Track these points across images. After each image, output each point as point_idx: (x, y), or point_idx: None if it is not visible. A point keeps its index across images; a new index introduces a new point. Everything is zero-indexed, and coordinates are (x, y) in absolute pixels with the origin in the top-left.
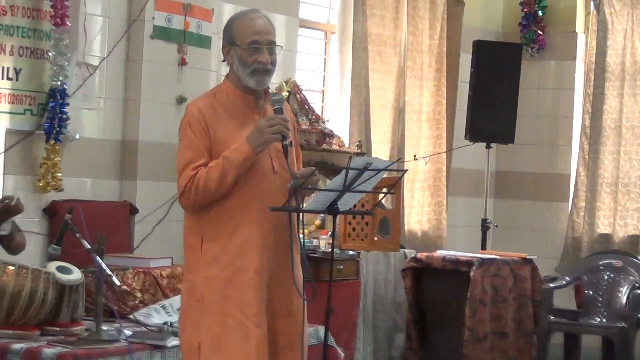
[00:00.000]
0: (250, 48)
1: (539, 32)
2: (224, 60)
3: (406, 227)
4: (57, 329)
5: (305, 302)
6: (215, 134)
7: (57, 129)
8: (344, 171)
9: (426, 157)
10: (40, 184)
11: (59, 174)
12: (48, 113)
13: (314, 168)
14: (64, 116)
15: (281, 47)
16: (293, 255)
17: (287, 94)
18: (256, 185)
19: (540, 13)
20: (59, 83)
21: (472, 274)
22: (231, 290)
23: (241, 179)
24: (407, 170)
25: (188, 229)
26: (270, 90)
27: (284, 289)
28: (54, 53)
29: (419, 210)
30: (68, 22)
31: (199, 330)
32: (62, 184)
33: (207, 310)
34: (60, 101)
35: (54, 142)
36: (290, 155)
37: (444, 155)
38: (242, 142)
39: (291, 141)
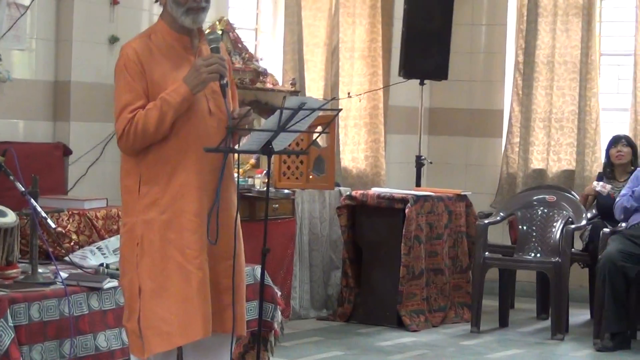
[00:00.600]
0: None
1: None
2: (156, 1)
3: (341, 165)
4: None
5: (241, 244)
6: (152, 75)
7: None
8: (278, 111)
9: (360, 94)
10: None
11: None
12: None
13: (249, 108)
14: None
15: None
16: (231, 197)
17: (220, 32)
18: (193, 128)
19: None
20: None
21: (407, 211)
22: (171, 233)
23: (178, 121)
24: (341, 109)
25: (125, 171)
26: (204, 30)
27: (224, 231)
28: None
29: (353, 148)
30: None
31: (140, 274)
32: None
33: (147, 254)
34: None
35: None
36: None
37: (381, 92)
38: (180, 83)
39: (227, 81)
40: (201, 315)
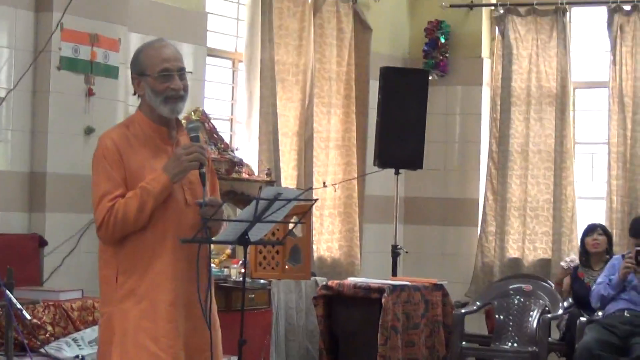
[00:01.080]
0: (161, 76)
1: (441, 57)
2: (135, 93)
3: (316, 255)
4: None
5: (219, 335)
6: (130, 165)
7: None
8: (254, 201)
9: (335, 184)
10: None
11: None
12: None
13: (221, 202)
14: None
15: (191, 72)
16: (207, 288)
17: (194, 120)
18: (170, 218)
19: (442, 39)
20: None
21: (383, 300)
22: (146, 322)
23: (155, 212)
24: (317, 199)
25: (103, 261)
26: (181, 120)
27: (200, 322)
28: None
29: (328, 238)
30: None
31: None
32: None
33: (122, 343)
34: None
35: None
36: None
37: (355, 181)
38: (160, 172)
39: (205, 170)
40: None
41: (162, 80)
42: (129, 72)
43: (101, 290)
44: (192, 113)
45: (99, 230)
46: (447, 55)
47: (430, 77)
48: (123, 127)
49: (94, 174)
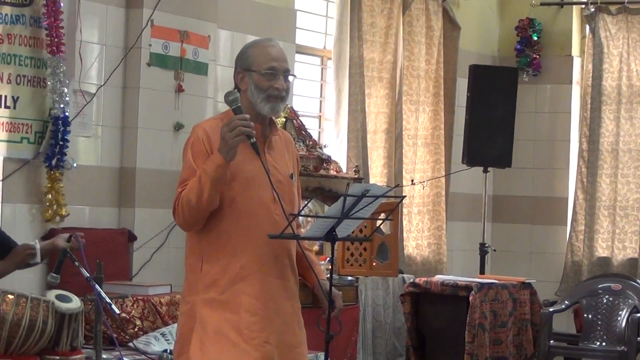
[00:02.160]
0: (267, 74)
1: (534, 55)
2: (236, 88)
3: (405, 252)
4: (57, 357)
5: (304, 333)
6: None
7: (58, 156)
8: (342, 198)
9: (423, 181)
10: (48, 214)
11: (64, 202)
12: (50, 140)
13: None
14: (66, 144)
15: (295, 76)
16: (292, 285)
17: (284, 120)
18: (256, 213)
19: (535, 37)
20: (60, 111)
21: (471, 298)
22: (228, 314)
23: (240, 205)
24: (404, 196)
25: (190, 249)
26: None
27: (288, 318)
28: (52, 81)
29: (417, 235)
30: (64, 50)
31: (197, 353)
32: (68, 212)
33: (205, 333)
34: (62, 129)
35: (55, 170)
36: (290, 189)
37: (443, 179)
38: (215, 153)
39: (292, 173)
40: None
41: (267, 78)
42: (218, 69)
43: (186, 278)
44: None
45: (175, 218)
46: (539, 53)
47: (524, 76)
48: (218, 119)
49: (182, 162)
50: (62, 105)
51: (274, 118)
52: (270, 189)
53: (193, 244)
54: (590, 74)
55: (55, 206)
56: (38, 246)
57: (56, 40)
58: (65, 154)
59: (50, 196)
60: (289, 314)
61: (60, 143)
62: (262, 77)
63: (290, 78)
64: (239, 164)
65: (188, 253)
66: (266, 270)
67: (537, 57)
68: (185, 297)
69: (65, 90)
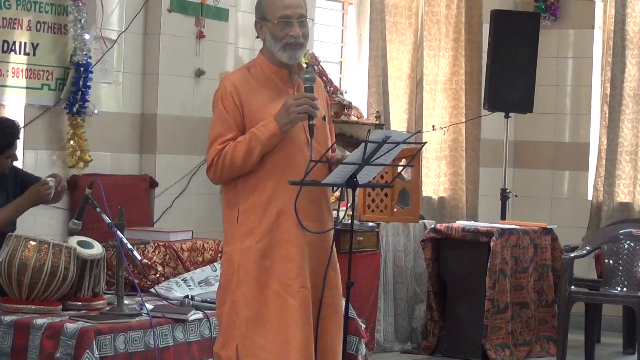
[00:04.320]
0: (281, 22)
1: (553, 0)
2: (257, 37)
3: (422, 196)
4: (79, 303)
5: (338, 276)
6: (250, 106)
7: (80, 103)
8: (362, 144)
9: (444, 127)
10: (72, 159)
11: (87, 148)
12: (72, 87)
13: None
14: (87, 90)
15: (312, 20)
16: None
17: (305, 66)
18: (291, 158)
19: None
20: (82, 57)
21: (492, 244)
22: (266, 261)
23: (275, 152)
24: (426, 142)
25: (226, 200)
26: (303, 65)
27: (322, 262)
28: (75, 27)
29: (434, 181)
30: None
31: (237, 301)
32: (91, 157)
33: (244, 282)
34: (84, 75)
35: (77, 116)
36: (324, 131)
37: (462, 125)
38: (270, 119)
39: (324, 115)
40: (299, 343)
41: (282, 27)
42: (239, 14)
43: (224, 229)
44: (302, 55)
45: (208, 172)
46: None
47: (543, 21)
48: (245, 69)
49: (213, 115)
50: (84, 52)
51: (301, 64)
52: (305, 133)
53: (230, 195)
54: (613, 19)
55: (78, 152)
56: (53, 183)
57: None
58: (88, 101)
59: (73, 142)
60: (321, 256)
61: (82, 90)
62: (277, 27)
63: (308, 23)
64: (268, 111)
65: (225, 205)
66: (302, 215)
67: (556, 2)
68: (224, 248)
69: (87, 36)
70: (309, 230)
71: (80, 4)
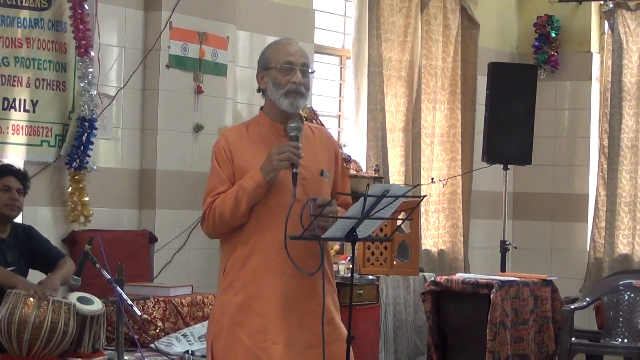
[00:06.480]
0: (284, 68)
1: (552, 52)
2: (258, 90)
3: (421, 249)
4: (79, 359)
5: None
6: (239, 161)
7: (82, 157)
8: (362, 198)
9: (443, 179)
10: (73, 214)
11: (88, 203)
12: (74, 142)
13: (332, 199)
14: (90, 145)
15: (314, 71)
16: (324, 284)
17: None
18: (273, 213)
19: (553, 34)
20: (88, 112)
21: (492, 296)
22: (240, 316)
23: (261, 205)
24: (425, 196)
25: (221, 252)
26: (303, 117)
27: (305, 317)
28: (82, 82)
29: (434, 233)
30: (92, 52)
31: (214, 353)
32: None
33: (220, 335)
34: (88, 130)
35: (78, 171)
36: (318, 185)
37: (459, 177)
38: (256, 170)
39: (322, 170)
40: None
41: (284, 73)
42: (237, 70)
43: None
44: (301, 110)
45: (202, 225)
46: (557, 50)
47: (542, 73)
48: (243, 125)
49: (210, 169)
50: (91, 108)
51: (302, 115)
52: (293, 187)
53: (222, 248)
54: (610, 70)
55: (79, 207)
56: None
57: (84, 42)
58: (89, 156)
59: (75, 197)
60: (310, 312)
61: (84, 145)
62: (279, 72)
63: (309, 73)
64: (255, 165)
65: (221, 257)
66: (281, 270)
67: (555, 53)
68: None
69: (94, 92)
70: (304, 272)
71: (88, 59)
